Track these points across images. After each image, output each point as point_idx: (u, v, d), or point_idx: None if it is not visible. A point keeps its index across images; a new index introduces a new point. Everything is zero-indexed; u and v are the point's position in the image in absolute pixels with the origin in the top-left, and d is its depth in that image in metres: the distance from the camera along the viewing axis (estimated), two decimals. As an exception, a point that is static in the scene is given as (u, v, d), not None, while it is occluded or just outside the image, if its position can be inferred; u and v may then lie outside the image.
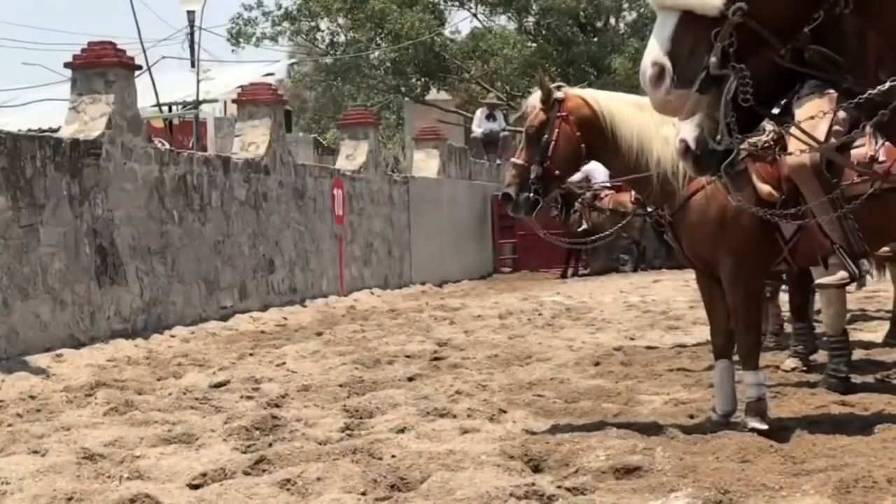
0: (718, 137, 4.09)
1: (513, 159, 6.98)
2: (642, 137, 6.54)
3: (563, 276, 23.08)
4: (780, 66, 3.94)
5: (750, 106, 3.93)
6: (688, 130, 4.00)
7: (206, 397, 8.47)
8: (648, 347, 10.90)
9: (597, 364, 9.74)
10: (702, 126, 3.94)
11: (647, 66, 3.89)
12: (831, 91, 5.30)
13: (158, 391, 8.98)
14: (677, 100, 3.90)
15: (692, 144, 4.00)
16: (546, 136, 6.69)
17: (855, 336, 10.36)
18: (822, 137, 5.64)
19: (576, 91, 6.91)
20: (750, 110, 3.96)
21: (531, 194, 6.69)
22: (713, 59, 3.85)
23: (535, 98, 6.89)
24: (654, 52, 3.90)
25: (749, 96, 3.92)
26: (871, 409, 7.05)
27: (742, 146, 4.90)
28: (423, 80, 34.20)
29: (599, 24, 34.24)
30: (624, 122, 6.64)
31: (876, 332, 10.77)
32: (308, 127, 47.89)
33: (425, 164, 24.00)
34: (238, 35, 34.39)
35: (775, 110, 4.28)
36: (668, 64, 3.84)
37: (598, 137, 6.69)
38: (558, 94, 6.78)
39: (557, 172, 6.80)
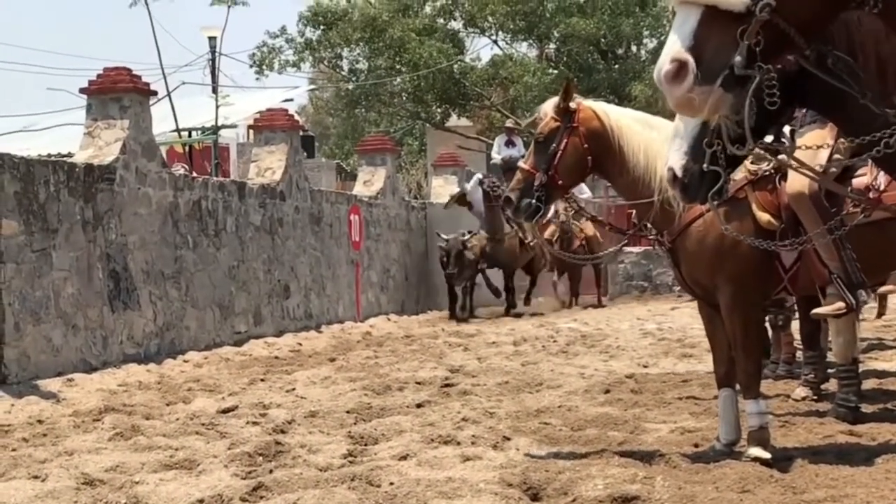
0: (734, 144, 3.93)
1: (520, 163, 6.96)
2: (648, 155, 6.48)
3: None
4: (789, 73, 3.82)
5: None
6: (675, 158, 3.96)
7: (212, 423, 8.45)
8: (661, 375, 10.84)
9: (607, 392, 9.69)
10: (689, 153, 3.89)
11: (664, 63, 3.70)
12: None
13: (166, 416, 8.98)
14: (699, 97, 3.70)
15: (679, 172, 3.96)
16: (554, 144, 6.68)
17: (869, 365, 10.30)
18: (822, 161, 5.60)
19: (588, 103, 6.88)
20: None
21: (533, 200, 6.67)
22: (738, 58, 3.67)
23: (548, 105, 6.87)
24: (675, 48, 3.71)
25: (776, 98, 3.82)
26: (879, 439, 6.98)
27: (733, 174, 4.84)
28: (443, 106, 34.24)
29: (620, 52, 34.21)
30: (632, 138, 6.60)
31: (891, 361, 10.69)
32: (331, 153, 48.00)
33: (444, 189, 24.00)
34: (262, 62, 34.51)
35: (769, 138, 4.25)
36: (690, 59, 3.65)
37: (605, 151, 6.66)
38: (571, 104, 6.75)
39: (561, 182, 6.79)
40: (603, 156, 6.67)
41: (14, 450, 7.54)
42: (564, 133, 6.67)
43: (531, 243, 21.11)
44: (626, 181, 6.68)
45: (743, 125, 3.86)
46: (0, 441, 7.99)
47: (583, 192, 17.30)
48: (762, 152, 4.06)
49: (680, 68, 3.65)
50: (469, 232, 20.04)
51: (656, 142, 6.33)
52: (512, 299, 21.03)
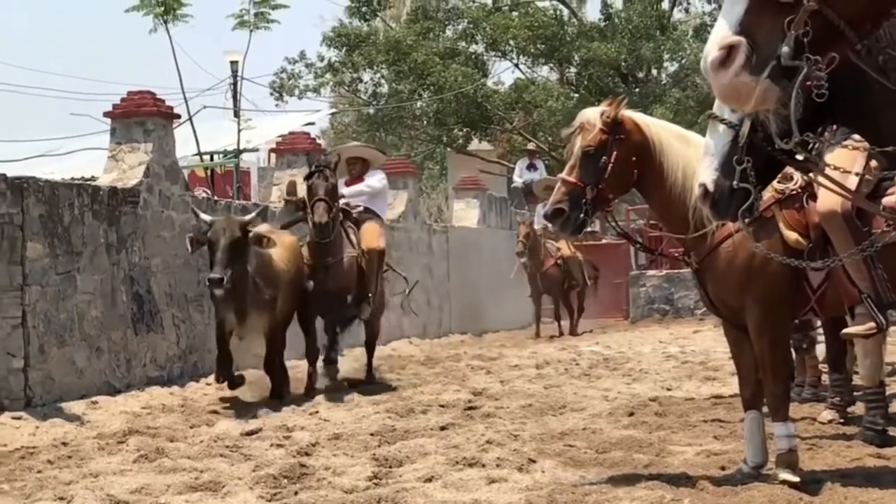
0: (782, 138, 3.84)
1: (563, 176, 6.68)
2: (686, 171, 6.35)
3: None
4: (837, 76, 3.74)
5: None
6: (706, 174, 3.92)
7: (236, 445, 8.46)
8: (685, 398, 10.80)
9: (631, 414, 9.65)
10: (719, 170, 3.85)
11: (711, 50, 3.61)
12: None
13: (190, 438, 8.98)
14: (746, 86, 3.60)
15: (710, 187, 3.91)
16: (605, 157, 6.52)
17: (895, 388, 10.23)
18: (853, 185, 5.56)
19: (630, 113, 6.73)
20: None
21: (582, 214, 6.52)
22: (785, 49, 3.59)
23: (591, 114, 6.68)
24: (723, 32, 3.62)
25: (824, 91, 3.69)
26: (907, 461, 6.94)
27: (764, 191, 4.80)
28: (464, 130, 34.31)
29: (640, 75, 34.26)
30: (671, 152, 6.52)
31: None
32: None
33: (465, 213, 24.01)
34: (281, 88, 34.65)
35: (800, 157, 4.21)
36: (740, 41, 3.56)
37: (647, 164, 6.55)
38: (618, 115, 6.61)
39: (610, 196, 6.69)
40: (645, 169, 6.55)
41: (39, 472, 7.55)
42: (613, 145, 6.52)
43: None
44: (662, 197, 6.58)
45: (789, 120, 3.79)
46: (25, 463, 8.01)
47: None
48: (798, 160, 3.99)
49: (728, 54, 3.57)
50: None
51: (694, 159, 6.15)
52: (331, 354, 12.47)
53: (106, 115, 13.30)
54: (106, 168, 13.09)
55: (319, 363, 12.27)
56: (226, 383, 11.34)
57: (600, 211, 6.91)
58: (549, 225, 20.97)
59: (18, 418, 9.80)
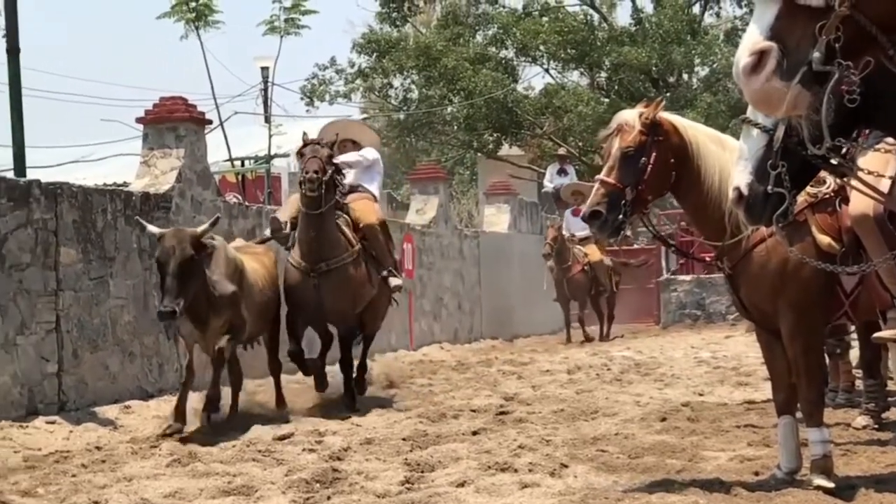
0: (814, 143, 3.81)
1: (601, 177, 6.56)
2: (723, 175, 6.28)
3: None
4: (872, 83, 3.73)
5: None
6: (741, 178, 3.91)
7: (268, 450, 8.47)
8: (717, 404, 10.76)
9: (663, 420, 9.62)
10: (754, 174, 3.84)
11: (742, 56, 3.60)
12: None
13: (222, 443, 9.00)
14: (777, 91, 3.60)
15: (745, 191, 3.90)
16: (644, 158, 6.45)
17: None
18: (885, 188, 5.53)
19: (667, 115, 6.68)
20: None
21: (620, 216, 6.45)
22: (817, 54, 3.59)
23: (629, 116, 6.61)
24: (754, 38, 3.61)
25: (856, 96, 3.72)
26: (943, 467, 6.89)
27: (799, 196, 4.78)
28: (495, 135, 34.30)
29: (671, 80, 34.16)
30: (708, 155, 6.47)
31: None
32: (382, 182, 48.09)
33: (496, 218, 24.02)
34: (312, 94, 34.72)
35: (833, 161, 4.19)
36: (771, 47, 3.56)
37: (684, 167, 6.50)
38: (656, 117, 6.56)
39: (649, 197, 6.61)
40: (682, 171, 6.51)
41: (74, 476, 7.59)
42: (652, 146, 6.46)
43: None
44: (698, 200, 6.53)
45: (821, 125, 3.78)
46: (60, 467, 8.05)
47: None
48: (832, 164, 3.96)
49: (759, 60, 3.56)
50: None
51: (730, 163, 6.01)
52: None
53: (138, 120, 13.37)
54: (138, 173, 13.15)
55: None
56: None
57: (637, 214, 6.78)
58: (575, 233, 21.03)
59: (52, 423, 9.87)
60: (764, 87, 3.59)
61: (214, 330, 9.83)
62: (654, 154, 6.46)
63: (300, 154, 11.03)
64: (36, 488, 7.22)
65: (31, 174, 12.94)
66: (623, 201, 6.42)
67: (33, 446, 9.10)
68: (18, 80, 14.37)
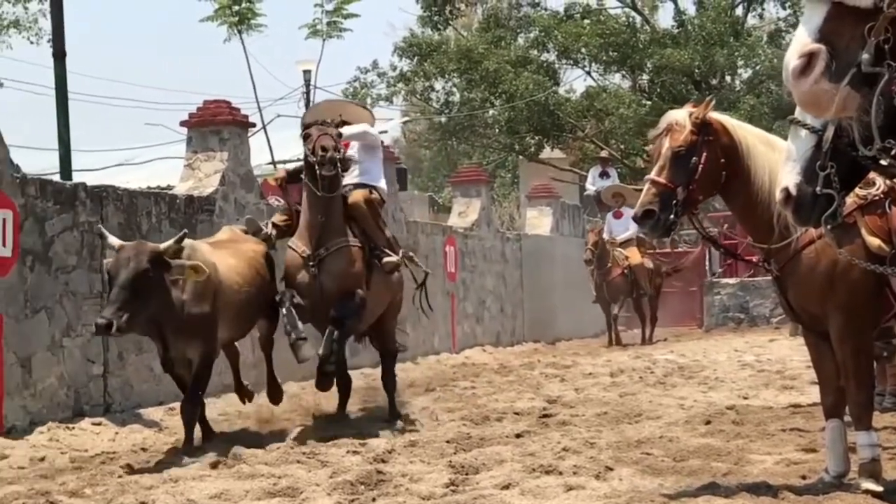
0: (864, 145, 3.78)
1: (652, 177, 6.53)
2: (772, 176, 6.20)
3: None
4: None
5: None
6: (789, 179, 3.88)
7: (313, 452, 8.49)
8: (762, 407, 10.69)
9: (707, 423, 9.57)
10: (802, 175, 3.81)
11: (791, 58, 3.60)
12: None
13: (267, 445, 9.03)
14: (826, 93, 3.59)
15: (793, 192, 3.87)
16: (695, 158, 6.43)
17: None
18: None
19: (717, 115, 6.65)
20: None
21: (672, 215, 6.43)
22: (866, 56, 3.57)
23: (680, 115, 6.60)
24: (803, 40, 3.62)
25: None
26: None
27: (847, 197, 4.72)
28: (536, 138, 34.25)
29: (714, 82, 33.97)
30: (758, 155, 6.44)
31: None
32: (423, 185, 48.18)
33: (538, 221, 24.00)
34: (354, 97, 34.79)
35: (884, 162, 4.15)
36: (820, 49, 3.55)
37: (734, 167, 6.46)
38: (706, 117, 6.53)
39: (700, 197, 6.60)
40: (733, 172, 6.47)
41: (120, 476, 7.64)
42: (703, 146, 6.44)
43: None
44: (747, 201, 6.48)
45: (871, 126, 3.75)
46: (107, 468, 8.10)
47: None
48: (883, 165, 3.93)
49: (808, 62, 3.55)
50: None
51: (779, 164, 5.80)
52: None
53: (182, 124, 13.45)
54: (182, 176, 13.23)
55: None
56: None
57: (688, 213, 6.72)
58: (616, 236, 20.98)
59: (98, 424, 9.95)
60: (813, 88, 3.58)
61: (182, 353, 9.22)
62: (704, 154, 6.43)
63: (306, 136, 10.25)
64: (83, 489, 7.27)
65: (76, 177, 13.05)
66: (674, 201, 6.40)
67: (80, 447, 9.18)
68: (65, 84, 14.50)
